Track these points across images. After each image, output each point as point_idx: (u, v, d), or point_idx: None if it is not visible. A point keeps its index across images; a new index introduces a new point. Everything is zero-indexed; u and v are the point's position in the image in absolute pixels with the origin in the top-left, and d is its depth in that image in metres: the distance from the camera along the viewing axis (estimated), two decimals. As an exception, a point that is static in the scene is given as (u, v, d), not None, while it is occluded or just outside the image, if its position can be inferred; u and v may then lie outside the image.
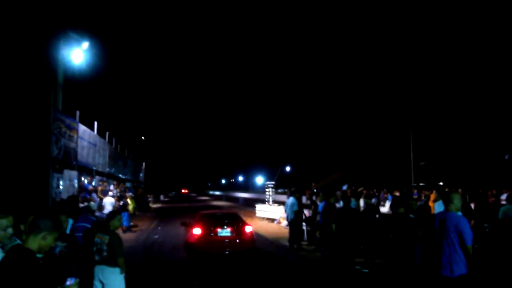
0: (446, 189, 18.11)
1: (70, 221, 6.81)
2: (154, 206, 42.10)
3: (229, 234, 10.83)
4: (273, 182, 26.98)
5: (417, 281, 7.73)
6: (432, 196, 13.29)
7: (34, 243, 3.27)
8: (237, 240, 10.76)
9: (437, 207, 8.61)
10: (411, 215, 8.71)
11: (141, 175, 43.92)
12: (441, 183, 32.07)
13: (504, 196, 14.61)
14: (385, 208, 19.07)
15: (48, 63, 16.49)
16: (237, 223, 11.24)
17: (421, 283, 7.69)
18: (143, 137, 47.04)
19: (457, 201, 5.04)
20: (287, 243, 13.98)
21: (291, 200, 13.80)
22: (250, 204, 33.15)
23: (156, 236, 16.75)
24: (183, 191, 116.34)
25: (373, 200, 14.11)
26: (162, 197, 64.02)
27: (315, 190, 19.67)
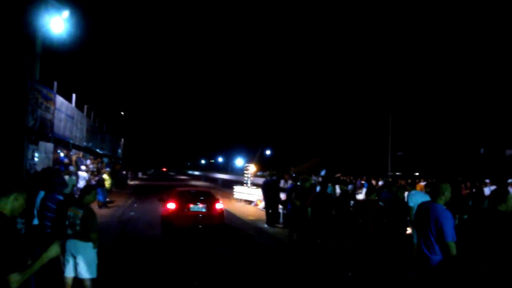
0: (418, 180, 18.43)
1: (42, 193, 6.68)
2: (132, 183, 41.82)
3: (201, 210, 11.65)
4: (252, 165, 27.05)
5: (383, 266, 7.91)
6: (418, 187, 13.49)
7: (7, 205, 3.23)
8: (208, 216, 11.59)
9: (410, 198, 8.70)
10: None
11: (119, 151, 43.46)
12: (417, 174, 32.64)
13: (487, 189, 14.97)
14: (361, 195, 19.35)
15: (25, 31, 15.95)
16: (209, 200, 12.09)
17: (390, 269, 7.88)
18: (122, 113, 46.37)
19: (447, 192, 4.84)
20: (264, 225, 14.09)
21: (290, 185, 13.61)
22: (228, 186, 33.24)
23: (132, 213, 16.66)
24: (163, 169, 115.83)
25: (349, 187, 14.30)
26: (140, 174, 63.60)
27: (293, 175, 19.79)
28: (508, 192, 4.62)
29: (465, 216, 8.24)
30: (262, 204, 18.87)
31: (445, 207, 4.94)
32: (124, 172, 36.49)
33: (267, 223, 14.20)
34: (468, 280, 4.47)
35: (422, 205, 5.12)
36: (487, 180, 19.57)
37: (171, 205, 11.56)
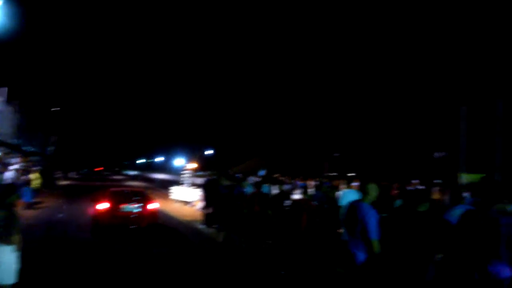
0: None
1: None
2: (63, 183, 39.88)
3: (133, 210, 11.61)
4: (193, 165, 26.80)
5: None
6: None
7: None
8: (141, 216, 11.59)
9: (342, 197, 9.00)
10: (325, 205, 9.13)
11: (50, 149, 41.40)
12: (353, 174, 33.82)
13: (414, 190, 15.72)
14: (299, 195, 19.73)
15: None
16: (142, 200, 12.05)
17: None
18: (55, 109, 44.13)
19: (373, 192, 5.08)
20: (200, 226, 13.97)
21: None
22: (166, 186, 32.62)
23: (61, 215, 15.91)
24: (98, 169, 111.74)
25: (287, 187, 14.51)
26: (72, 174, 60.84)
27: (238, 176, 19.80)
28: (428, 193, 4.91)
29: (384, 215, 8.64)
30: (200, 205, 18.72)
31: (371, 206, 5.18)
32: (54, 172, 34.76)
33: (204, 223, 14.09)
34: (391, 277, 4.68)
35: (350, 204, 5.31)
36: (416, 181, 20.69)
37: (103, 205, 11.41)
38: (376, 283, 4.78)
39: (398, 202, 9.65)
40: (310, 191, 11.70)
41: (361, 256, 4.88)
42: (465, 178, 21.20)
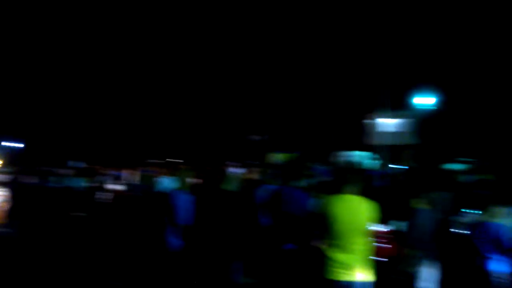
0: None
1: None
2: None
3: None
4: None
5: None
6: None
7: None
8: None
9: (158, 184, 8.89)
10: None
11: None
12: (172, 160, 33.93)
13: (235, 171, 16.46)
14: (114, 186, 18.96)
15: None
16: None
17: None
18: None
19: (187, 177, 5.25)
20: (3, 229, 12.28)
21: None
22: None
23: None
24: None
25: (102, 178, 13.74)
26: None
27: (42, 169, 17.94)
28: (227, 173, 5.18)
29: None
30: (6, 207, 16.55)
31: (185, 191, 5.23)
32: None
33: (7, 225, 12.44)
34: (205, 258, 4.78)
35: (170, 191, 5.36)
36: (236, 163, 21.79)
37: None
38: (190, 267, 4.88)
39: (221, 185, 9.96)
40: (127, 180, 11.34)
41: (175, 242, 4.92)
42: (278, 158, 23.29)
